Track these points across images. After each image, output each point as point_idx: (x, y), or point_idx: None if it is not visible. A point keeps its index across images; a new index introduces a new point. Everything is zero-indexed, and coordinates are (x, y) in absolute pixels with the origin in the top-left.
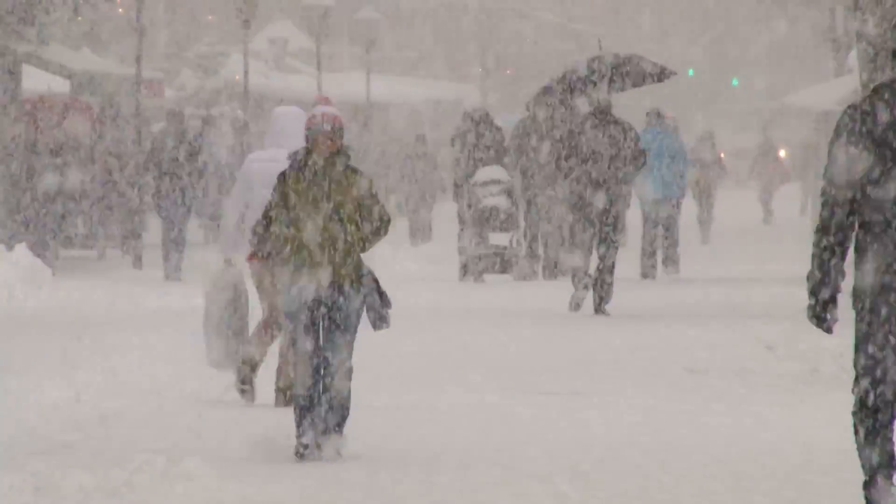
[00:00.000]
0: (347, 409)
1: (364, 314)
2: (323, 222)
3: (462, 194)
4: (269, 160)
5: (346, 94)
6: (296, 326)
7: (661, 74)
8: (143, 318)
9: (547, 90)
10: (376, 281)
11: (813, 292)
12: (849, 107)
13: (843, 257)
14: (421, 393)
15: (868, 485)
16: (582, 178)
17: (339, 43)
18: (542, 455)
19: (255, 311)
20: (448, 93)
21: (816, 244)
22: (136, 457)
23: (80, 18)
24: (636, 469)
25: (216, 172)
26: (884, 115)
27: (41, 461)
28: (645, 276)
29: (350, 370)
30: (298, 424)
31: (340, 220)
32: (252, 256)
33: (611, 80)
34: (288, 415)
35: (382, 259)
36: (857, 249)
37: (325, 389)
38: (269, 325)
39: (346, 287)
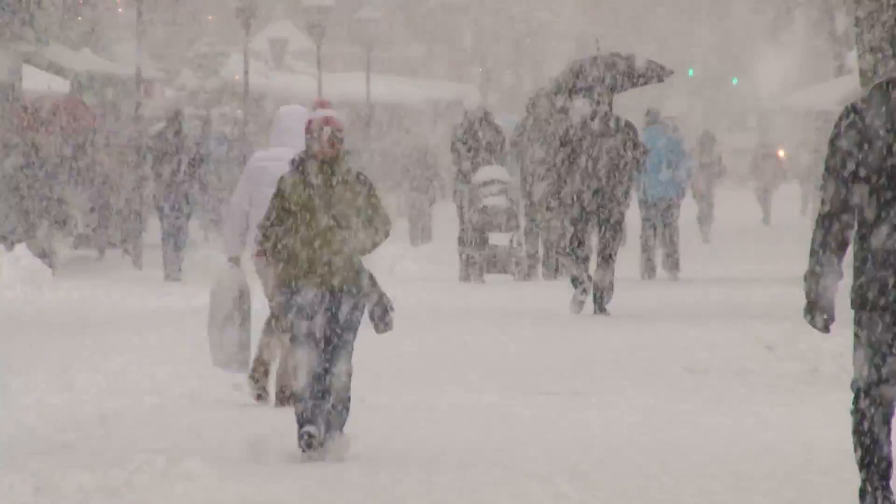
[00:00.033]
0: (348, 409)
1: (365, 316)
2: (322, 227)
3: (462, 194)
4: (275, 159)
5: (346, 94)
6: (296, 329)
7: (661, 74)
8: (143, 318)
9: (547, 91)
10: (376, 284)
11: (810, 290)
12: (848, 105)
13: (841, 255)
14: (421, 393)
15: (864, 493)
16: (582, 187)
17: (339, 43)
18: (542, 455)
19: (257, 311)
20: (448, 93)
21: (814, 241)
22: (136, 457)
23: (79, 18)
24: (636, 469)
25: (216, 172)
26: (882, 114)
27: (41, 461)
28: (645, 276)
29: (350, 371)
30: (301, 421)
31: (340, 225)
32: (260, 253)
33: (610, 80)
34: (288, 415)
35: (382, 259)
36: (855, 248)
37: (326, 391)
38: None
39: (346, 291)
